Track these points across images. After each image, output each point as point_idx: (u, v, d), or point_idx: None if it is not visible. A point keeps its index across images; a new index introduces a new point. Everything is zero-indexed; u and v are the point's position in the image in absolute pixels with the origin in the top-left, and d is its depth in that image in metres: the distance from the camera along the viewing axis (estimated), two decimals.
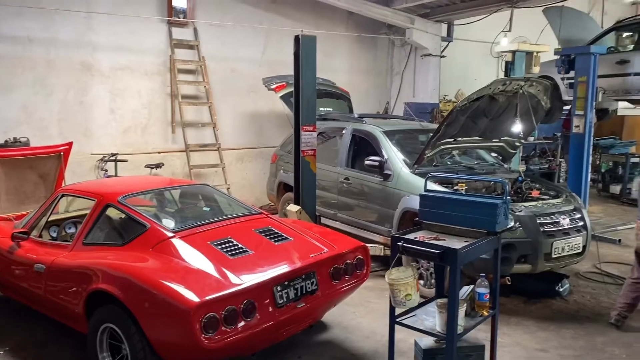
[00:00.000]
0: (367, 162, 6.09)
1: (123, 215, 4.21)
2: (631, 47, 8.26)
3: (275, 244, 4.07)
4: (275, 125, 9.54)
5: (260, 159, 9.51)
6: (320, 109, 8.06)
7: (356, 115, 7.59)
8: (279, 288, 3.61)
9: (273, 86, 8.29)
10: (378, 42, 11.12)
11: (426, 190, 3.92)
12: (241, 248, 3.86)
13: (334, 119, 7.64)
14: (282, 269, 3.74)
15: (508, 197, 3.68)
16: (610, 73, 7.90)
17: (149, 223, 4.00)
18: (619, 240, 7.41)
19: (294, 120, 6.17)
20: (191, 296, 3.22)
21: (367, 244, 4.73)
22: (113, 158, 7.79)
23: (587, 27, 9.20)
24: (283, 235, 4.21)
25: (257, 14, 9.41)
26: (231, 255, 3.75)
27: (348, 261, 4.19)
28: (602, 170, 11.10)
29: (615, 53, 8.23)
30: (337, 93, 9.01)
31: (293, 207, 6.07)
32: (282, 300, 3.61)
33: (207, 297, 3.23)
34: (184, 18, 8.54)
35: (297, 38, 5.95)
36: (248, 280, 3.49)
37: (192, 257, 3.71)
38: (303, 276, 3.80)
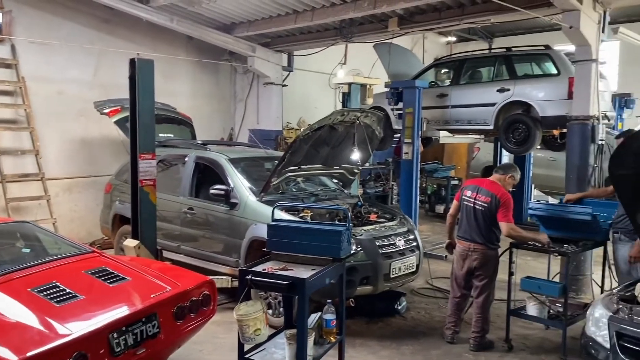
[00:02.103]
0: (212, 191, 5.91)
1: None
2: (448, 82, 9.28)
3: (110, 285, 3.71)
4: (110, 152, 8.86)
5: (93, 189, 8.72)
6: (160, 135, 7.68)
7: (199, 142, 7.37)
8: (115, 335, 3.27)
9: (106, 110, 7.71)
10: (220, 68, 11.03)
11: (273, 220, 3.89)
12: (69, 293, 3.44)
13: (175, 146, 7.34)
14: (119, 313, 3.41)
15: (351, 224, 3.81)
16: (432, 105, 8.77)
17: None
18: (446, 257, 8.13)
19: (131, 147, 5.76)
20: (7, 354, 2.77)
21: (213, 277, 4.57)
22: None
23: (411, 63, 10.15)
24: (119, 275, 3.86)
25: (88, 33, 8.74)
26: (57, 302, 3.33)
27: (193, 298, 3.96)
28: (429, 192, 12.23)
29: (436, 87, 9.18)
30: (178, 118, 8.69)
31: (131, 242, 5.62)
32: (119, 348, 3.27)
33: (28, 354, 2.82)
34: None
35: (132, 61, 5.61)
36: (78, 329, 3.11)
37: (9, 307, 3.22)
38: (143, 319, 3.50)
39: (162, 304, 3.68)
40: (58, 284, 3.52)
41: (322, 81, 12.07)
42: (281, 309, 5.19)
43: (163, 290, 3.81)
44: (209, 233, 6.20)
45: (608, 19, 6.83)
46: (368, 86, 10.07)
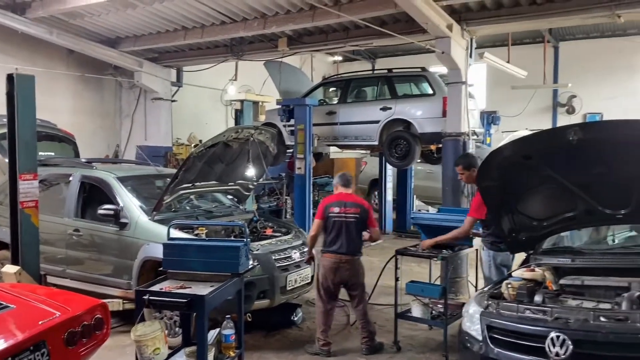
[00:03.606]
0: (100, 211, 5.68)
1: None
2: (336, 100, 9.73)
3: None
4: None
5: None
6: (40, 153, 7.23)
7: (84, 160, 7.05)
8: None
9: None
10: (104, 83, 10.62)
11: (169, 239, 3.88)
12: None
13: (57, 165, 6.96)
14: (3, 344, 3.21)
15: (248, 239, 3.92)
16: (322, 122, 9.14)
17: None
18: None
19: (9, 168, 5.40)
20: None
21: (105, 300, 4.42)
22: None
23: (301, 80, 10.49)
24: (1, 304, 3.62)
25: None
26: None
27: (85, 323, 3.81)
28: None
29: (325, 105, 9.57)
30: (59, 136, 8.25)
31: (10, 268, 5.24)
32: None
33: None
34: None
35: (10, 77, 5.29)
36: None
37: None
38: (31, 348, 3.31)
39: (51, 331, 3.50)
40: None
41: (214, 97, 12.05)
42: (177, 329, 5.13)
43: (52, 316, 3.63)
44: (97, 255, 5.95)
45: (475, 45, 7.65)
46: (260, 103, 10.26)
